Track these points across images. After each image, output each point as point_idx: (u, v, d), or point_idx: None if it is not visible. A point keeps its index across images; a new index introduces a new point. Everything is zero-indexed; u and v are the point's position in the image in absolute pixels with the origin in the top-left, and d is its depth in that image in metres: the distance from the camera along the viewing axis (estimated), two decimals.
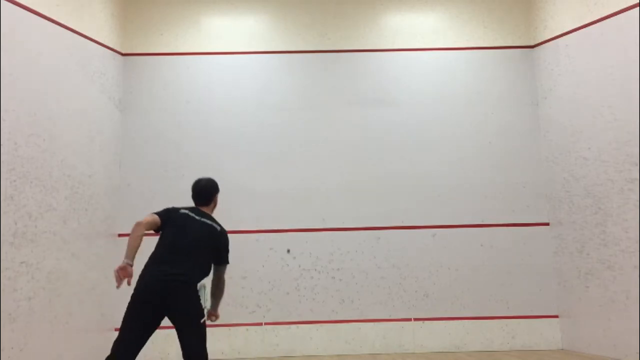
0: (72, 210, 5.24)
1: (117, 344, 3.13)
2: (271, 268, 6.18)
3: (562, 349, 6.06)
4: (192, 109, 6.47)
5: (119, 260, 3.27)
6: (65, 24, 5.33)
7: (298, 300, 6.13)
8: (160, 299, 3.04)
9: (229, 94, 6.52)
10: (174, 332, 6.33)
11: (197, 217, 3.34)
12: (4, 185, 4.30)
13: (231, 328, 6.05)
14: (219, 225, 3.44)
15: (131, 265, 3.13)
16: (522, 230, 6.30)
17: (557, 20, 6.34)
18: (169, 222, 3.27)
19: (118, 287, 3.07)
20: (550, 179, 6.32)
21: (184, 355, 3.10)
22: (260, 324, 6.08)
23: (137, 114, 6.42)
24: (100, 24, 6.00)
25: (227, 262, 3.47)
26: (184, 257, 3.15)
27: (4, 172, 4.30)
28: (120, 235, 6.14)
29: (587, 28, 5.96)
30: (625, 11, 5.55)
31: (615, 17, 5.64)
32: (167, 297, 3.03)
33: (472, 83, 6.61)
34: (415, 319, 6.13)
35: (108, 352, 3.23)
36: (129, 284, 3.11)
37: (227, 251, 3.48)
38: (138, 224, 3.17)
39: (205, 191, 3.54)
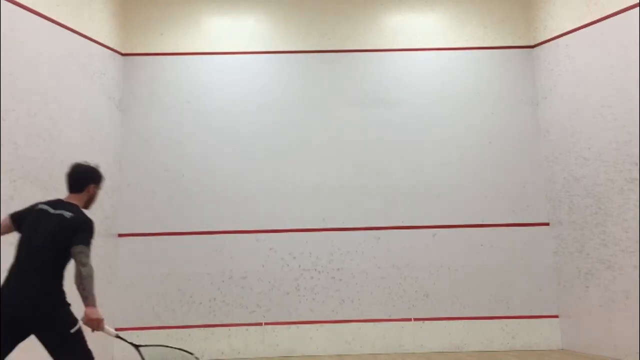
0: None
1: None
2: (271, 268, 6.18)
3: (562, 349, 6.05)
4: (192, 109, 6.47)
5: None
6: (65, 24, 5.33)
7: (298, 300, 6.13)
8: (13, 313, 2.69)
9: (229, 94, 6.52)
10: (174, 332, 6.32)
11: (51, 211, 2.87)
12: (4, 185, 4.30)
13: (231, 328, 6.05)
14: (75, 212, 2.89)
15: None
16: (522, 230, 6.30)
17: (557, 20, 6.34)
18: (23, 222, 2.91)
19: None
20: (550, 179, 6.32)
21: None
22: (260, 324, 6.08)
23: (137, 114, 6.42)
24: (100, 24, 6.00)
25: (83, 244, 2.80)
26: (31, 263, 2.76)
27: (4, 172, 4.30)
28: (120, 235, 6.15)
29: (587, 28, 5.96)
30: (625, 11, 5.55)
31: (615, 17, 5.64)
32: (20, 311, 2.69)
33: (472, 83, 6.61)
34: (416, 319, 6.13)
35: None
36: None
37: (82, 233, 2.83)
38: None
39: (76, 176, 3.03)
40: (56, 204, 2.93)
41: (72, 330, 2.78)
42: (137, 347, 3.07)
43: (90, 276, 2.77)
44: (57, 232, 2.79)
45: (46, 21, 5.04)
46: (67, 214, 2.85)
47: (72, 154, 5.28)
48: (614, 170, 5.58)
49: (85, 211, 2.99)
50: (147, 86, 6.48)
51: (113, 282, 5.99)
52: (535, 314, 6.15)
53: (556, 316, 6.15)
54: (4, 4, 4.46)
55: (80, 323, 2.82)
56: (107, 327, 2.90)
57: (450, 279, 6.21)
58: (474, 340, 6.10)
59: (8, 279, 2.77)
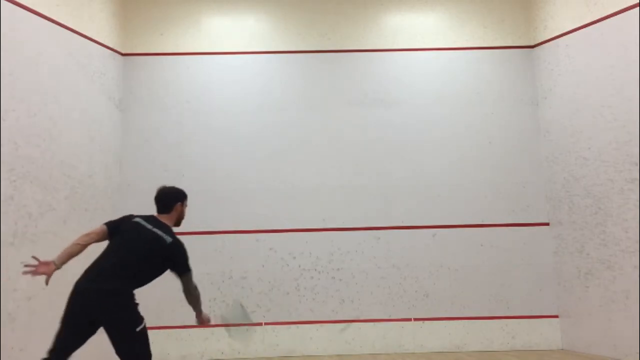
0: (72, 210, 5.23)
1: (56, 339, 3.07)
2: (271, 268, 6.18)
3: (562, 349, 6.05)
4: (192, 109, 6.47)
5: (67, 248, 3.21)
6: (65, 24, 5.33)
7: (298, 300, 6.13)
8: (87, 311, 2.96)
9: (229, 94, 6.52)
10: (174, 332, 6.35)
11: (149, 227, 3.16)
12: (4, 185, 4.30)
13: (231, 328, 6.04)
14: (172, 236, 3.19)
15: (56, 265, 3.08)
16: (522, 230, 6.30)
17: (557, 20, 6.34)
18: (118, 230, 3.17)
19: (31, 274, 3.07)
20: (550, 179, 6.32)
21: None
22: (260, 324, 6.08)
23: (137, 114, 6.42)
24: (100, 24, 6.00)
25: (189, 271, 3.31)
26: (120, 269, 2.99)
27: (4, 172, 4.30)
28: (89, 232, 6.12)
29: (587, 28, 5.96)
30: (625, 11, 5.55)
31: (615, 17, 5.64)
32: (93, 310, 2.95)
33: (472, 83, 6.61)
34: (415, 319, 6.13)
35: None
36: (46, 283, 3.09)
37: (184, 261, 3.25)
38: (85, 234, 3.17)
39: (164, 198, 3.35)
40: (152, 221, 3.21)
41: (137, 329, 3.02)
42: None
43: (199, 295, 3.44)
44: (154, 251, 3.08)
45: (46, 21, 5.04)
46: (168, 239, 3.13)
47: (72, 154, 5.29)
48: (614, 170, 5.58)
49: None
50: (147, 86, 6.48)
51: None
52: (535, 314, 6.15)
53: (556, 316, 6.15)
54: (4, 4, 4.46)
55: (145, 323, 3.07)
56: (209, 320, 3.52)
57: (450, 279, 6.21)
58: (474, 340, 6.10)
59: (86, 277, 2.97)
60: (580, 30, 6.05)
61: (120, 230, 3.15)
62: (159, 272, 3.22)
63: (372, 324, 6.12)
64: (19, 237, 4.45)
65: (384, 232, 6.28)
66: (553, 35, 6.38)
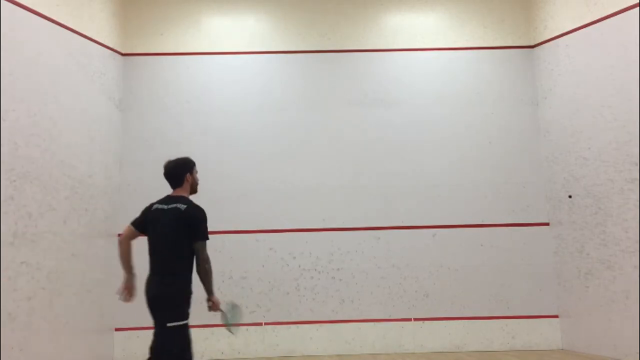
0: (72, 210, 5.23)
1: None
2: (271, 268, 6.18)
3: (562, 349, 6.06)
4: (192, 109, 6.47)
5: (119, 260, 3.37)
6: (65, 24, 5.33)
7: (298, 300, 6.13)
8: (150, 307, 3.21)
9: (229, 94, 6.52)
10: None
11: (166, 207, 3.27)
12: (4, 185, 4.30)
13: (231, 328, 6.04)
14: (186, 203, 3.29)
15: (131, 277, 3.43)
16: (522, 230, 6.30)
17: (557, 20, 6.34)
18: (146, 223, 3.31)
19: (128, 301, 3.40)
20: (550, 179, 6.32)
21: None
22: (260, 324, 6.08)
23: (137, 114, 6.42)
24: (100, 24, 6.00)
25: (203, 239, 3.23)
26: (159, 257, 3.21)
27: (4, 172, 4.30)
28: (120, 235, 6.13)
29: (587, 28, 5.96)
30: (625, 11, 5.55)
31: (615, 17, 5.64)
32: (153, 304, 3.20)
33: (472, 83, 6.61)
34: (415, 319, 6.13)
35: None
36: (135, 294, 3.42)
37: (199, 225, 3.24)
38: (119, 242, 3.39)
39: (172, 173, 3.44)
40: (167, 200, 3.32)
41: (169, 325, 3.12)
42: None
43: (211, 270, 3.28)
44: (175, 225, 3.16)
45: (46, 21, 5.04)
46: (182, 206, 3.22)
47: (72, 154, 5.29)
48: (614, 170, 5.58)
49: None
50: (147, 86, 6.48)
51: (113, 282, 5.98)
52: (535, 314, 6.15)
53: (556, 316, 6.15)
54: (4, 4, 4.46)
55: (187, 322, 3.22)
56: (223, 309, 3.53)
57: (450, 279, 6.21)
58: (474, 340, 6.10)
59: (150, 272, 3.28)
60: (580, 30, 6.05)
61: (148, 222, 3.28)
62: (192, 246, 3.24)
63: (372, 324, 6.12)
64: (19, 237, 4.45)
65: (384, 232, 6.28)
66: (553, 35, 6.38)
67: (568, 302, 6.05)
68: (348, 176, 6.41)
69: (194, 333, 6.02)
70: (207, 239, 3.26)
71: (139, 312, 6.00)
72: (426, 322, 6.13)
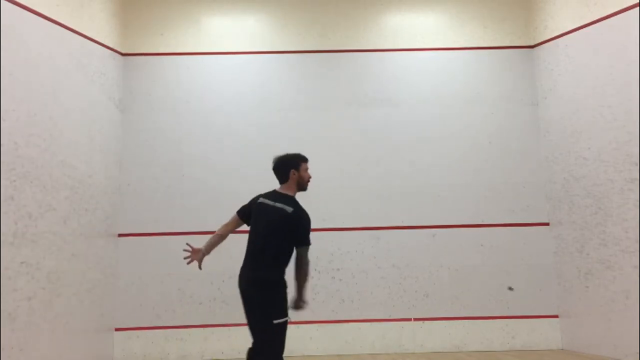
0: (72, 210, 5.23)
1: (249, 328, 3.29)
2: None
3: (562, 349, 6.06)
4: (192, 109, 6.47)
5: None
6: (65, 24, 5.32)
7: None
8: (246, 297, 3.25)
9: (229, 94, 6.52)
10: (174, 332, 6.34)
11: (271, 203, 3.31)
12: (4, 185, 4.30)
13: (231, 328, 6.05)
14: (293, 206, 3.29)
15: (204, 253, 3.51)
16: (522, 230, 6.30)
17: (557, 20, 6.34)
18: (251, 214, 3.39)
19: (188, 263, 3.50)
20: (550, 179, 6.32)
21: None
22: None
23: (137, 114, 6.42)
24: (100, 24, 6.00)
25: (306, 244, 3.25)
26: (259, 252, 3.23)
27: (4, 172, 4.30)
28: (120, 235, 6.15)
29: (587, 28, 5.96)
30: (625, 11, 5.55)
31: (615, 17, 5.64)
32: (247, 296, 3.24)
33: (472, 83, 6.61)
34: (415, 319, 6.13)
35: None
36: (199, 267, 3.55)
37: (304, 232, 3.25)
38: (223, 224, 3.50)
39: (278, 168, 3.46)
40: (273, 196, 3.36)
41: (275, 322, 3.14)
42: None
43: (308, 274, 3.30)
44: (279, 225, 3.19)
45: (46, 21, 5.03)
46: (288, 209, 3.24)
47: (72, 154, 5.29)
48: (614, 170, 5.58)
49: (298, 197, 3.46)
50: (147, 86, 6.48)
51: (113, 282, 5.99)
52: (535, 314, 6.15)
53: (556, 316, 6.15)
54: (4, 4, 4.46)
55: (288, 318, 3.22)
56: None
57: (450, 279, 6.21)
58: (474, 340, 6.10)
59: (243, 264, 3.32)
60: (580, 30, 6.05)
61: (252, 215, 3.34)
62: (292, 247, 3.28)
63: (372, 324, 6.12)
64: (19, 237, 4.45)
65: (384, 232, 6.28)
66: (553, 35, 6.38)
67: (568, 302, 6.05)
68: (348, 176, 6.41)
69: (194, 333, 6.05)
70: (310, 244, 3.28)
71: (139, 312, 6.02)
72: (426, 322, 6.13)
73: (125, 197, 6.23)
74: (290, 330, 6.40)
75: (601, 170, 5.71)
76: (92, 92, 5.78)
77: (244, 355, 6.05)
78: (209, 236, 6.19)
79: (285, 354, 6.07)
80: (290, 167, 3.43)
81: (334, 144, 6.46)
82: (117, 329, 5.94)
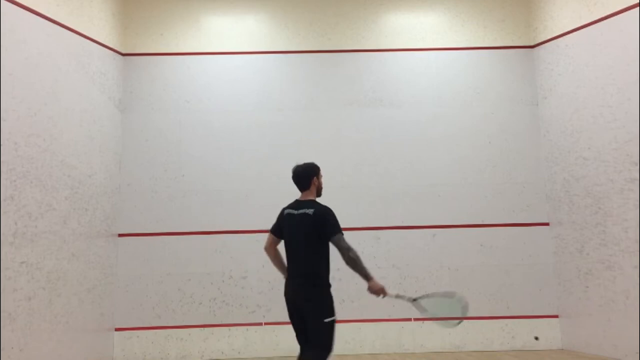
0: (72, 210, 5.24)
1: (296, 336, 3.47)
2: (271, 268, 6.11)
3: (562, 349, 6.06)
4: (192, 108, 6.47)
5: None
6: (65, 24, 5.33)
7: None
8: (293, 304, 3.38)
9: (229, 94, 6.52)
10: (174, 332, 6.34)
11: (295, 212, 3.46)
12: (4, 185, 4.30)
13: (231, 328, 6.05)
14: (313, 207, 3.42)
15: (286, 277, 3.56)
16: (522, 230, 6.30)
17: (557, 20, 6.34)
18: (281, 229, 3.53)
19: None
20: (550, 179, 6.32)
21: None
22: (260, 324, 6.08)
23: (137, 114, 6.42)
24: (100, 24, 6.00)
25: (337, 232, 3.31)
26: (296, 261, 3.39)
27: (4, 172, 4.30)
28: (120, 235, 6.15)
29: (587, 28, 5.96)
30: (625, 11, 5.55)
31: (615, 17, 5.64)
32: (296, 303, 3.36)
33: (472, 83, 6.61)
34: (415, 319, 6.13)
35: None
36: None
37: (329, 224, 3.33)
38: (266, 251, 3.65)
39: (299, 177, 3.63)
40: (296, 204, 3.54)
41: (325, 320, 3.27)
42: (414, 300, 3.47)
43: (356, 257, 3.25)
44: (306, 229, 3.33)
45: (46, 21, 5.03)
46: (309, 211, 3.38)
47: (72, 154, 5.29)
48: (614, 170, 5.58)
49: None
50: (147, 86, 6.48)
51: (113, 282, 6.00)
52: (535, 314, 6.15)
53: (556, 316, 6.15)
54: (4, 4, 4.46)
55: (336, 317, 3.33)
56: (389, 291, 3.34)
57: (450, 279, 6.21)
58: (473, 340, 6.10)
59: (288, 275, 3.47)
60: (580, 30, 6.05)
61: (283, 228, 3.50)
62: (326, 245, 3.37)
63: (372, 324, 6.12)
64: (19, 237, 4.45)
65: (384, 232, 6.28)
66: (553, 35, 6.38)
67: (568, 302, 6.05)
68: (348, 176, 6.40)
69: (194, 333, 6.05)
70: (341, 231, 3.32)
71: (139, 312, 6.02)
72: (426, 322, 6.13)
73: (125, 197, 6.23)
74: (291, 330, 6.40)
75: (601, 170, 5.71)
76: (92, 92, 5.78)
77: (244, 355, 6.08)
78: (211, 236, 6.25)
79: (285, 353, 6.11)
80: (312, 175, 3.66)
81: (334, 144, 6.46)
82: (117, 329, 5.94)
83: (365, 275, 3.27)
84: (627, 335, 5.36)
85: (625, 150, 5.48)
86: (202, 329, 6.06)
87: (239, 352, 6.02)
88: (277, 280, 6.12)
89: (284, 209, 3.59)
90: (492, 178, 6.41)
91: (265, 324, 6.08)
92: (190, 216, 6.24)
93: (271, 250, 3.64)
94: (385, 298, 3.36)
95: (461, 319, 3.44)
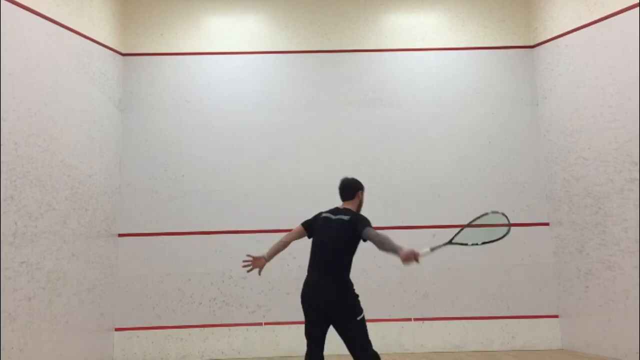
0: (72, 210, 5.24)
1: (308, 347, 3.59)
2: (271, 268, 6.14)
3: (562, 349, 6.06)
4: (192, 108, 6.47)
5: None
6: (65, 24, 5.33)
7: (298, 300, 6.09)
8: (316, 308, 3.44)
9: (229, 94, 6.52)
10: (174, 332, 6.34)
11: (333, 217, 3.57)
12: (4, 185, 4.30)
13: (231, 328, 6.05)
14: (351, 214, 3.56)
15: (266, 259, 3.76)
16: (522, 230, 6.30)
17: (557, 20, 6.34)
18: (313, 229, 3.63)
19: (248, 271, 3.74)
20: (550, 179, 6.32)
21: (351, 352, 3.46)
22: (260, 324, 6.08)
23: (137, 114, 6.42)
24: (100, 24, 6.00)
25: (366, 226, 3.46)
26: (325, 263, 3.46)
27: (4, 172, 4.30)
28: (120, 235, 6.15)
29: (587, 28, 5.96)
30: (625, 11, 5.55)
31: (615, 17, 5.64)
32: (320, 305, 3.43)
33: (472, 83, 6.61)
34: (415, 319, 6.13)
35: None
36: (259, 274, 3.78)
37: (360, 222, 3.49)
38: (287, 233, 3.73)
39: (347, 187, 3.75)
40: (335, 211, 3.64)
41: (358, 318, 3.41)
42: (451, 242, 3.72)
43: (386, 238, 3.40)
44: (341, 234, 3.46)
45: (46, 21, 5.03)
46: (346, 217, 3.52)
47: (72, 154, 5.29)
48: (614, 170, 5.58)
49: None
50: (147, 86, 6.48)
51: (113, 282, 6.00)
52: (535, 314, 6.15)
53: (556, 316, 6.15)
54: (4, 4, 4.46)
55: (364, 314, 3.47)
56: (420, 252, 3.36)
57: (450, 279, 6.21)
58: (473, 340, 6.10)
59: (308, 276, 3.53)
60: (580, 30, 6.05)
61: (315, 229, 3.59)
62: (355, 248, 3.56)
63: (372, 324, 6.10)
64: (19, 237, 4.45)
65: (384, 232, 6.25)
66: (553, 35, 6.38)
67: (568, 302, 6.05)
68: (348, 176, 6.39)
69: (194, 333, 6.05)
70: (370, 224, 3.49)
71: (139, 312, 6.02)
72: (426, 322, 6.13)
73: (125, 197, 6.23)
74: (291, 330, 6.44)
75: (601, 170, 5.71)
76: (92, 92, 5.78)
77: (244, 355, 6.08)
78: (211, 236, 6.25)
79: (285, 353, 6.12)
80: (358, 188, 3.79)
81: (334, 144, 6.46)
82: (117, 329, 5.94)
83: (395, 250, 3.32)
84: (627, 335, 5.36)
85: (625, 150, 5.47)
86: (202, 329, 6.06)
87: (239, 352, 6.02)
88: (277, 280, 6.16)
89: (322, 212, 3.69)
90: (492, 178, 6.41)
91: (265, 324, 6.08)
92: (190, 216, 6.24)
93: (289, 238, 3.76)
94: (424, 257, 3.39)
95: (509, 225, 3.67)
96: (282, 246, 3.77)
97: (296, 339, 6.06)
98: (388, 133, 6.49)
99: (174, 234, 6.19)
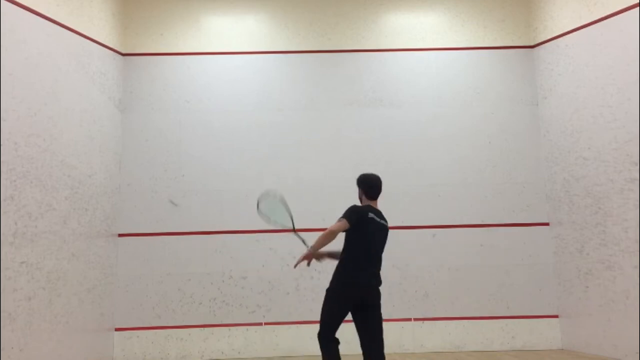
0: (72, 210, 5.23)
1: (331, 331, 3.84)
2: (271, 268, 6.18)
3: (562, 349, 6.06)
4: (192, 108, 6.47)
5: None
6: (65, 24, 5.33)
7: (298, 300, 6.13)
8: (361, 300, 3.66)
9: (229, 94, 6.52)
10: (174, 332, 6.33)
11: (378, 220, 3.73)
12: (4, 185, 4.30)
13: (231, 328, 6.05)
14: (386, 220, 3.85)
15: (312, 253, 3.77)
16: (522, 230, 6.30)
17: (557, 20, 6.34)
18: (358, 225, 3.64)
19: (294, 266, 3.82)
20: (550, 179, 6.32)
21: (370, 340, 3.78)
22: (260, 324, 6.08)
23: (137, 114, 6.42)
24: (100, 24, 6.00)
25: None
26: (376, 262, 3.70)
27: (4, 172, 4.30)
28: (120, 235, 6.15)
29: (587, 28, 5.96)
30: (625, 11, 5.55)
31: (615, 17, 5.64)
32: (368, 298, 3.66)
33: (472, 83, 6.61)
34: (415, 319, 6.13)
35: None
36: (308, 265, 3.82)
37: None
38: (331, 232, 3.65)
39: (379, 187, 3.94)
40: (376, 212, 3.80)
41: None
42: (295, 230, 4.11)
43: (326, 232, 3.67)
44: (384, 238, 3.77)
45: (46, 21, 5.03)
46: (386, 223, 3.81)
47: (72, 154, 5.29)
48: (614, 170, 5.58)
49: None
50: (147, 86, 6.48)
51: (113, 282, 5.99)
52: (535, 314, 6.15)
53: (556, 316, 6.15)
54: (4, 4, 4.46)
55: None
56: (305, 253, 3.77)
57: (450, 279, 6.21)
58: (473, 340, 6.10)
59: (359, 269, 3.63)
60: (580, 30, 6.05)
61: (361, 225, 3.64)
62: None
63: None
64: (19, 237, 4.45)
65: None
66: (553, 35, 6.38)
67: (568, 302, 6.05)
68: (348, 176, 6.36)
69: (194, 333, 6.05)
70: (344, 217, 3.72)
71: (139, 312, 6.02)
72: (426, 322, 6.13)
73: (125, 197, 6.23)
74: (291, 330, 6.44)
75: (601, 170, 5.71)
76: (92, 92, 5.78)
77: (244, 355, 6.08)
78: (211, 236, 6.24)
79: (285, 353, 6.12)
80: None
81: (334, 144, 6.46)
82: (117, 329, 5.94)
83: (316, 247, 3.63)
84: (627, 335, 5.36)
85: (625, 150, 5.47)
86: (202, 329, 6.06)
87: (239, 352, 6.02)
88: (277, 280, 6.16)
89: (366, 211, 3.73)
90: (492, 178, 6.41)
91: (265, 324, 6.08)
92: (190, 216, 6.24)
93: (334, 236, 3.74)
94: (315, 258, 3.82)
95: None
96: (330, 240, 3.72)
97: (296, 339, 6.06)
98: (388, 133, 6.49)
99: (174, 234, 6.19)
